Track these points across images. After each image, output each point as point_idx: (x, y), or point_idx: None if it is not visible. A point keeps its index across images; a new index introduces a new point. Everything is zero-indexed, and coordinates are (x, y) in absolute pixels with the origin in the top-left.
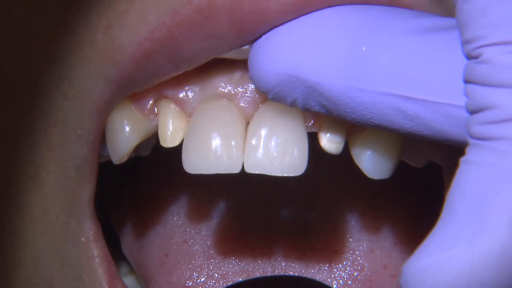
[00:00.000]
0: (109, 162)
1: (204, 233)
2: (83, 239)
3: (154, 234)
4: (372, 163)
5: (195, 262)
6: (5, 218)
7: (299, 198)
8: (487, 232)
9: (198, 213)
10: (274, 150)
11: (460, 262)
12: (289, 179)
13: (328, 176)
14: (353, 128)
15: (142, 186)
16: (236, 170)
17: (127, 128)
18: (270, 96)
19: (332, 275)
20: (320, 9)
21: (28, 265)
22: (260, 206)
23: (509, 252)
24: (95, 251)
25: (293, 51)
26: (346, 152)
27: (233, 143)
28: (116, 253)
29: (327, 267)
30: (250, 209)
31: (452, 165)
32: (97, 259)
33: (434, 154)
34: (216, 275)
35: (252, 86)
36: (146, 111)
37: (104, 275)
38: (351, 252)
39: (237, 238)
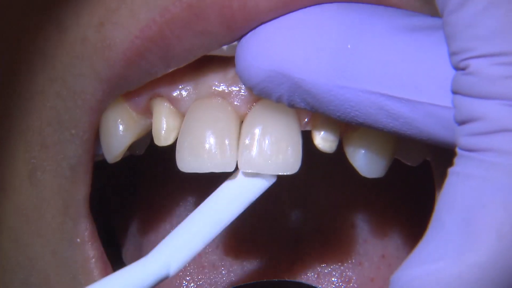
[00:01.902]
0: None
1: None
2: (78, 239)
3: (147, 242)
4: (366, 161)
5: (185, 270)
6: (0, 219)
7: (292, 208)
8: (474, 245)
9: None
10: (268, 148)
11: (448, 274)
12: (282, 186)
13: (320, 185)
14: (347, 126)
15: (141, 190)
16: (230, 169)
17: (121, 127)
18: (255, 92)
19: (319, 286)
20: (309, 7)
21: (24, 266)
22: (252, 217)
23: (497, 265)
24: (90, 252)
25: (279, 47)
26: (338, 159)
27: (227, 142)
28: (115, 253)
29: (315, 278)
30: (242, 219)
31: (441, 163)
32: (93, 260)
33: (428, 153)
34: (205, 284)
35: None
36: (140, 109)
37: (100, 276)
38: (339, 264)
39: (228, 249)
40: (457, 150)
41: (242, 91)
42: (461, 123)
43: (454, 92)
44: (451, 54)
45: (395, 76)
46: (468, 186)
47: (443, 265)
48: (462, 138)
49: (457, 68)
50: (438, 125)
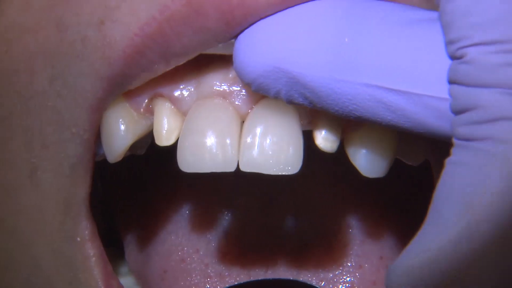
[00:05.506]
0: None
1: (201, 253)
2: (79, 238)
3: (153, 251)
4: (367, 161)
5: (192, 280)
6: (2, 218)
7: (293, 214)
8: (473, 234)
9: (196, 233)
10: (269, 148)
11: (445, 263)
12: (283, 190)
13: (319, 188)
14: (348, 126)
15: (142, 190)
16: (231, 168)
17: (122, 127)
18: (253, 88)
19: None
20: (306, 2)
21: (27, 265)
22: (256, 225)
23: (495, 253)
24: (91, 250)
25: (276, 42)
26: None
27: (228, 141)
28: (116, 252)
29: (322, 285)
30: (247, 229)
31: (441, 162)
32: (93, 259)
33: (429, 152)
34: None
35: None
36: (142, 109)
37: (100, 275)
38: (340, 268)
39: (234, 258)
40: (454, 140)
41: (243, 91)
42: (458, 112)
43: (451, 82)
44: (448, 43)
45: (392, 69)
46: (465, 175)
47: (439, 254)
48: (459, 127)
49: (453, 57)
50: (435, 117)
